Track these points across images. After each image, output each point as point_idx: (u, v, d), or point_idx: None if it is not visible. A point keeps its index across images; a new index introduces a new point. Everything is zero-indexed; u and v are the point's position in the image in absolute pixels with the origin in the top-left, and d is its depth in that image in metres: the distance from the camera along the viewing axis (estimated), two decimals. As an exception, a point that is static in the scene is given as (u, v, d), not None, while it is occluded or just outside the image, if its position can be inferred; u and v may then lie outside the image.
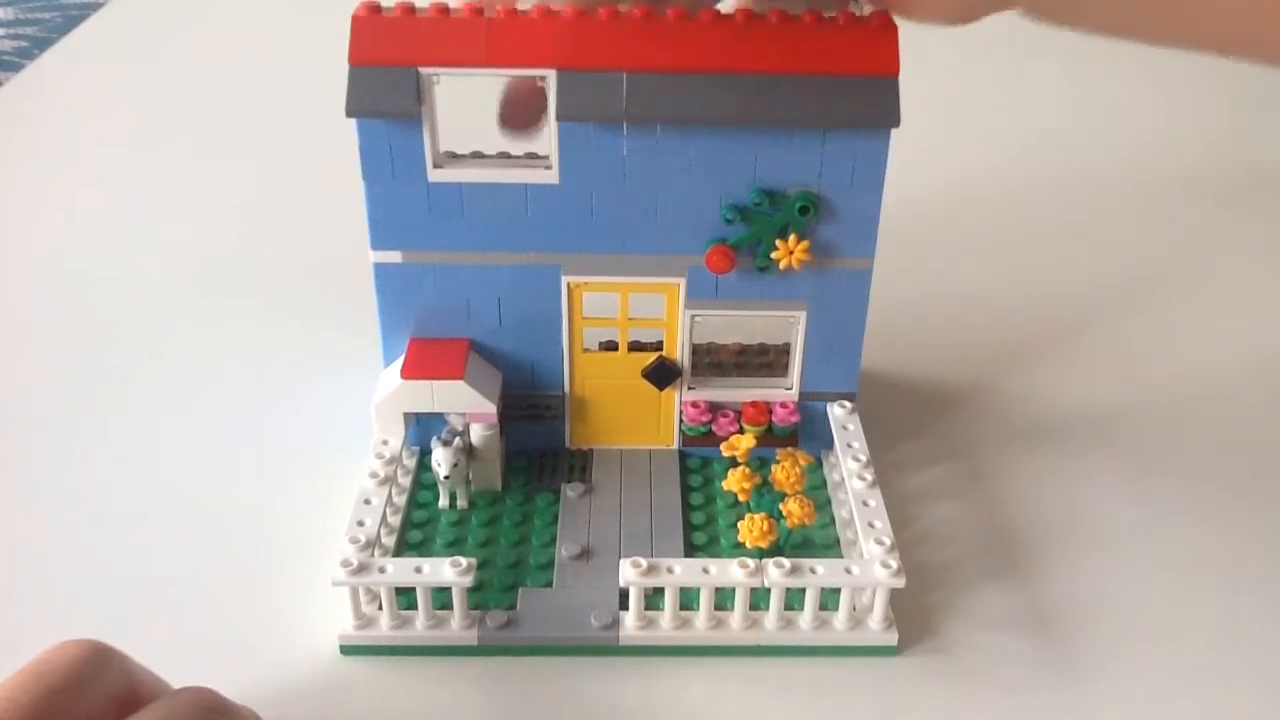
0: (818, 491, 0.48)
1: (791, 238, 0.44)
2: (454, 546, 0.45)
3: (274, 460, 0.51)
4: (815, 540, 0.46)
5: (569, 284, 0.46)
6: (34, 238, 0.70)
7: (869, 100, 0.42)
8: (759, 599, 0.41)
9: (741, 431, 0.48)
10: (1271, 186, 0.78)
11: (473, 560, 0.39)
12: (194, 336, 0.59)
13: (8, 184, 0.77)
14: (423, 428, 0.48)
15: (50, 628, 0.34)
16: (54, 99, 0.91)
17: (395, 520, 0.45)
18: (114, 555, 0.45)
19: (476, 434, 0.46)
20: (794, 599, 0.41)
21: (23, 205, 0.74)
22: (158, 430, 0.53)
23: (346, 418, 0.52)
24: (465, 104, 0.45)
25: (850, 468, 0.45)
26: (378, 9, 0.42)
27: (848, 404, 0.49)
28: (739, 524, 0.43)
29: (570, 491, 0.47)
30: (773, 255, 0.45)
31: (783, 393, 0.49)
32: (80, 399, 0.55)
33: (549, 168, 0.43)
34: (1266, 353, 0.60)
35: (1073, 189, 0.77)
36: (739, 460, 0.46)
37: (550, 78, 0.41)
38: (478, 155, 0.45)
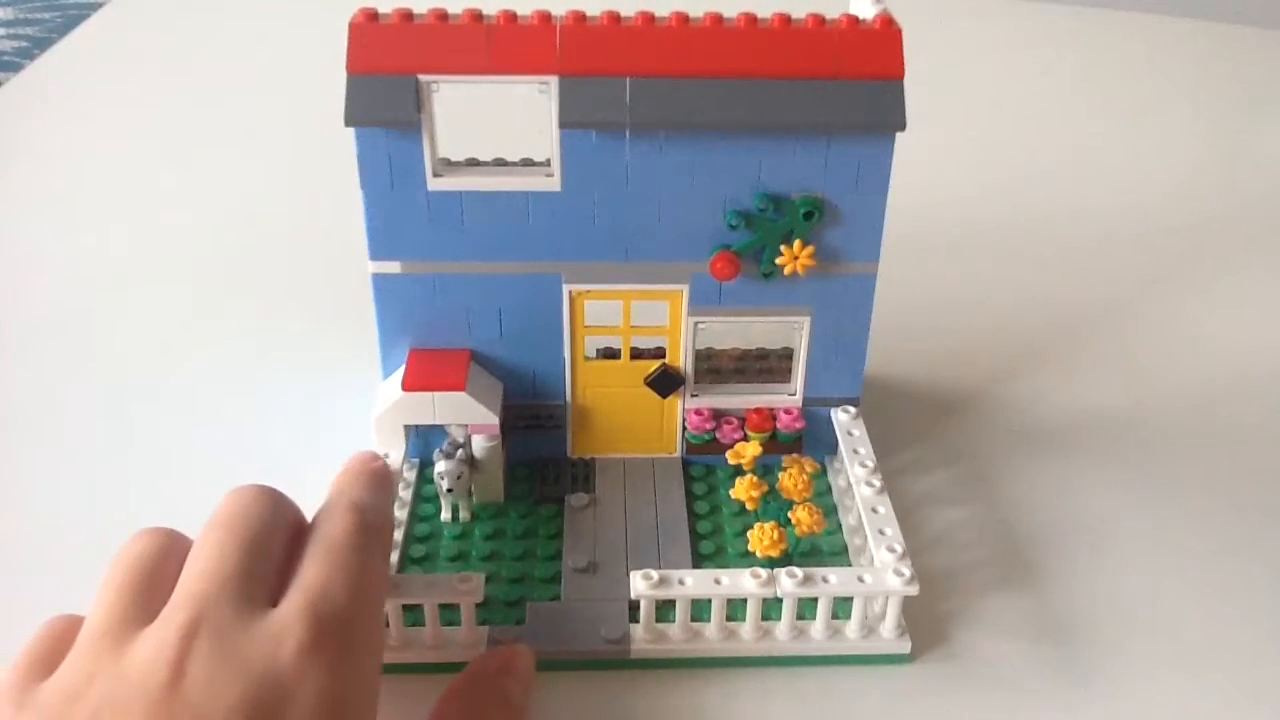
0: (823, 498, 0.48)
1: (796, 243, 0.44)
2: (458, 561, 0.44)
3: (270, 473, 0.49)
4: (823, 547, 0.45)
5: (571, 292, 0.45)
6: (34, 237, 0.70)
7: (874, 103, 0.42)
8: (770, 609, 0.41)
9: (746, 438, 0.48)
10: (1274, 189, 0.79)
11: (481, 576, 0.39)
12: (189, 342, 0.59)
13: (8, 184, 0.77)
14: (422, 440, 0.48)
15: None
16: (54, 99, 0.91)
17: (397, 535, 0.44)
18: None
19: (478, 445, 0.46)
20: (806, 608, 0.41)
21: (23, 205, 0.74)
22: (152, 440, 0.52)
23: (344, 429, 0.51)
24: (464, 111, 0.44)
25: (857, 474, 0.45)
26: (375, 16, 0.41)
27: (852, 409, 0.48)
28: (748, 533, 0.43)
29: (574, 502, 0.47)
30: (777, 261, 0.44)
31: (786, 399, 0.49)
32: (77, 401, 0.54)
33: (550, 175, 0.43)
34: (1272, 356, 0.60)
35: (1077, 192, 0.77)
36: (745, 468, 0.45)
37: (552, 84, 0.41)
38: (477, 163, 0.44)
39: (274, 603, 0.32)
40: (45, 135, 0.84)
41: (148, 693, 0.29)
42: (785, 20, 0.42)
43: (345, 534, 0.34)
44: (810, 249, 0.44)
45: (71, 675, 0.30)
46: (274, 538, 0.34)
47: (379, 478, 0.39)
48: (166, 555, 0.34)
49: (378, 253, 0.44)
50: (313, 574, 0.33)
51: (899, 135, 0.42)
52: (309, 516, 0.36)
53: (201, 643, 0.30)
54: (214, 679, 0.29)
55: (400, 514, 0.45)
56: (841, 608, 0.41)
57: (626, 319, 0.46)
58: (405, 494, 0.47)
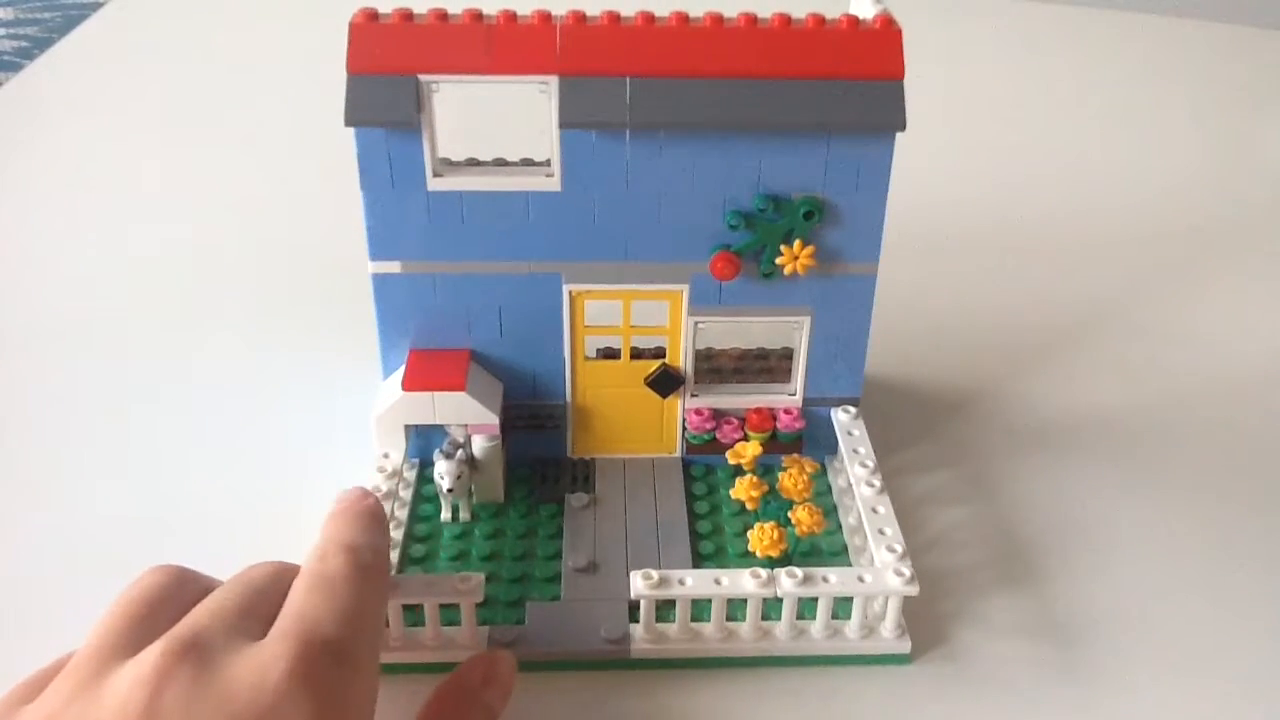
0: (823, 498, 0.48)
1: (796, 243, 0.44)
2: (458, 561, 0.44)
3: (270, 473, 0.50)
4: (823, 547, 0.45)
5: (571, 292, 0.45)
6: (34, 238, 0.70)
7: (874, 104, 0.42)
8: (770, 609, 0.41)
9: (746, 438, 0.48)
10: (1274, 190, 0.79)
11: (481, 576, 0.39)
12: (189, 343, 0.59)
13: (8, 184, 0.77)
14: (422, 439, 0.48)
15: (44, 630, 0.34)
16: (54, 99, 0.91)
17: (397, 535, 0.45)
18: (110, 564, 0.44)
19: (478, 445, 0.46)
20: (805, 608, 0.41)
21: (23, 205, 0.74)
22: (152, 441, 0.52)
23: (344, 429, 0.51)
24: (464, 111, 0.44)
25: (857, 474, 0.45)
26: (375, 16, 0.41)
27: (852, 409, 0.48)
28: (748, 533, 0.43)
29: (574, 502, 0.47)
30: (777, 261, 0.44)
31: (786, 399, 0.49)
32: (76, 402, 0.54)
33: (550, 175, 0.43)
34: (1271, 356, 0.60)
35: (1077, 193, 0.78)
36: (745, 468, 0.45)
37: (552, 84, 0.41)
38: (477, 163, 0.44)
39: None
40: (45, 135, 0.84)
41: (121, 717, 0.28)
42: (785, 20, 0.42)
43: (338, 571, 0.34)
44: (810, 249, 0.44)
45: (50, 700, 0.30)
46: (276, 589, 0.34)
47: (372, 517, 0.37)
48: (172, 595, 0.33)
49: (378, 253, 0.44)
50: (300, 603, 0.32)
51: (899, 135, 0.42)
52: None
53: (183, 670, 0.29)
54: (192, 706, 0.29)
55: (400, 514, 0.46)
56: (841, 608, 0.41)
57: (626, 319, 0.46)
58: (405, 494, 0.47)
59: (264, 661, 0.30)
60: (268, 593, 0.33)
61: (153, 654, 0.30)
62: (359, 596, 0.34)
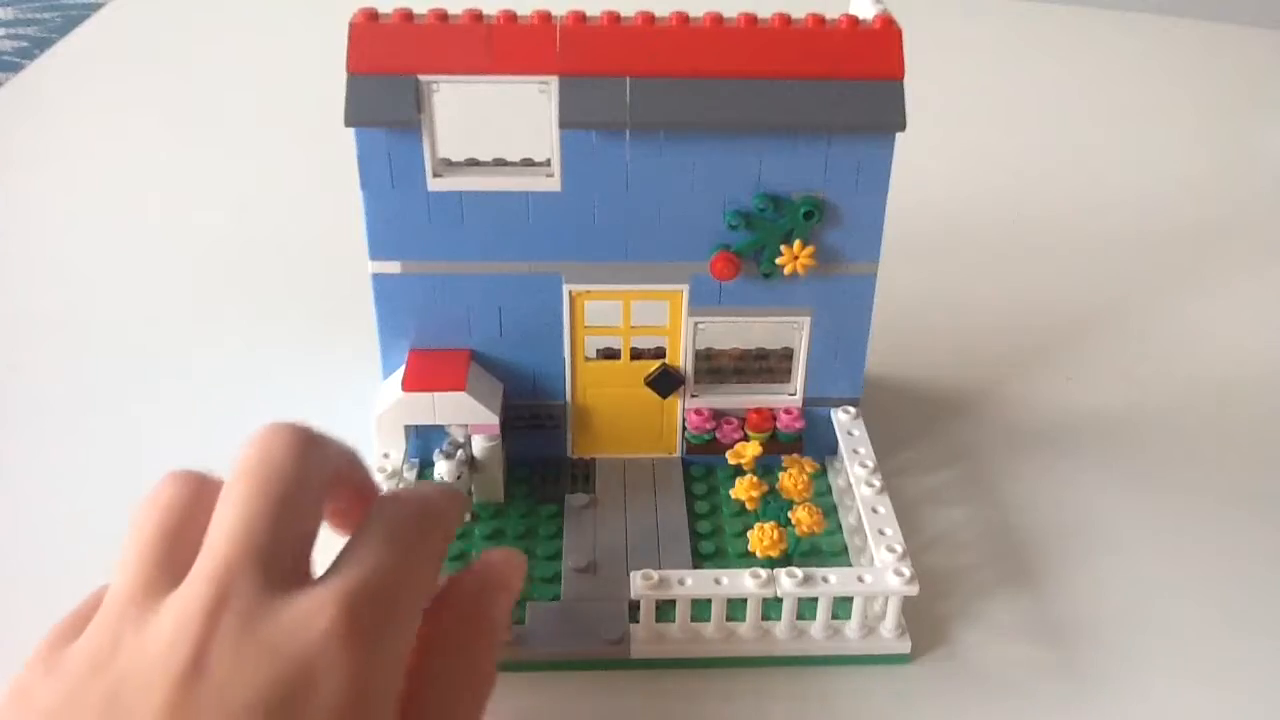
0: (823, 498, 0.48)
1: (796, 243, 0.44)
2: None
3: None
4: (823, 547, 0.45)
5: (571, 292, 0.45)
6: (33, 238, 0.70)
7: (874, 104, 0.42)
8: (770, 609, 0.41)
9: (746, 439, 0.48)
10: (1274, 190, 0.79)
11: (481, 575, 0.39)
12: (189, 343, 0.59)
13: (7, 183, 0.77)
14: (422, 439, 0.48)
15: (42, 629, 0.34)
16: (54, 99, 0.91)
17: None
18: (111, 562, 0.45)
19: (478, 445, 0.46)
20: (805, 608, 0.41)
21: (23, 205, 0.74)
22: (150, 442, 0.52)
23: (344, 429, 0.51)
24: (464, 111, 0.44)
25: (857, 474, 0.45)
26: (375, 16, 0.41)
27: (852, 409, 0.48)
28: (748, 533, 0.43)
29: (574, 502, 0.47)
30: (777, 261, 0.44)
31: (786, 399, 0.49)
32: (75, 402, 0.54)
33: (550, 175, 0.43)
34: (1272, 356, 0.60)
35: (1077, 193, 0.78)
36: (745, 468, 0.45)
37: (552, 84, 0.41)
38: (477, 163, 0.44)
39: (303, 572, 0.31)
40: (45, 135, 0.84)
41: (169, 673, 0.28)
42: (785, 20, 0.42)
43: (407, 525, 0.33)
44: (810, 249, 0.44)
45: (95, 641, 0.29)
46: (307, 494, 0.32)
47: (457, 498, 0.37)
48: (193, 505, 0.32)
49: (378, 253, 0.44)
50: (360, 559, 0.31)
51: (899, 135, 0.42)
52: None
53: (226, 623, 0.29)
54: (238, 663, 0.28)
55: (400, 514, 0.45)
56: (841, 608, 0.41)
57: (626, 319, 0.46)
58: (405, 494, 0.47)
59: (307, 618, 0.29)
60: (300, 508, 0.32)
61: (194, 604, 0.29)
62: (416, 553, 0.33)
